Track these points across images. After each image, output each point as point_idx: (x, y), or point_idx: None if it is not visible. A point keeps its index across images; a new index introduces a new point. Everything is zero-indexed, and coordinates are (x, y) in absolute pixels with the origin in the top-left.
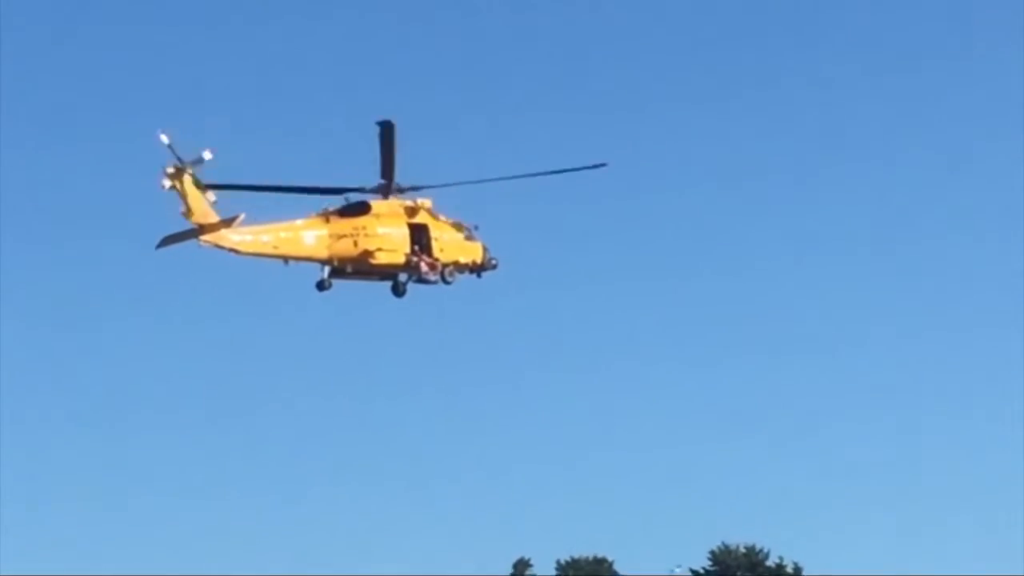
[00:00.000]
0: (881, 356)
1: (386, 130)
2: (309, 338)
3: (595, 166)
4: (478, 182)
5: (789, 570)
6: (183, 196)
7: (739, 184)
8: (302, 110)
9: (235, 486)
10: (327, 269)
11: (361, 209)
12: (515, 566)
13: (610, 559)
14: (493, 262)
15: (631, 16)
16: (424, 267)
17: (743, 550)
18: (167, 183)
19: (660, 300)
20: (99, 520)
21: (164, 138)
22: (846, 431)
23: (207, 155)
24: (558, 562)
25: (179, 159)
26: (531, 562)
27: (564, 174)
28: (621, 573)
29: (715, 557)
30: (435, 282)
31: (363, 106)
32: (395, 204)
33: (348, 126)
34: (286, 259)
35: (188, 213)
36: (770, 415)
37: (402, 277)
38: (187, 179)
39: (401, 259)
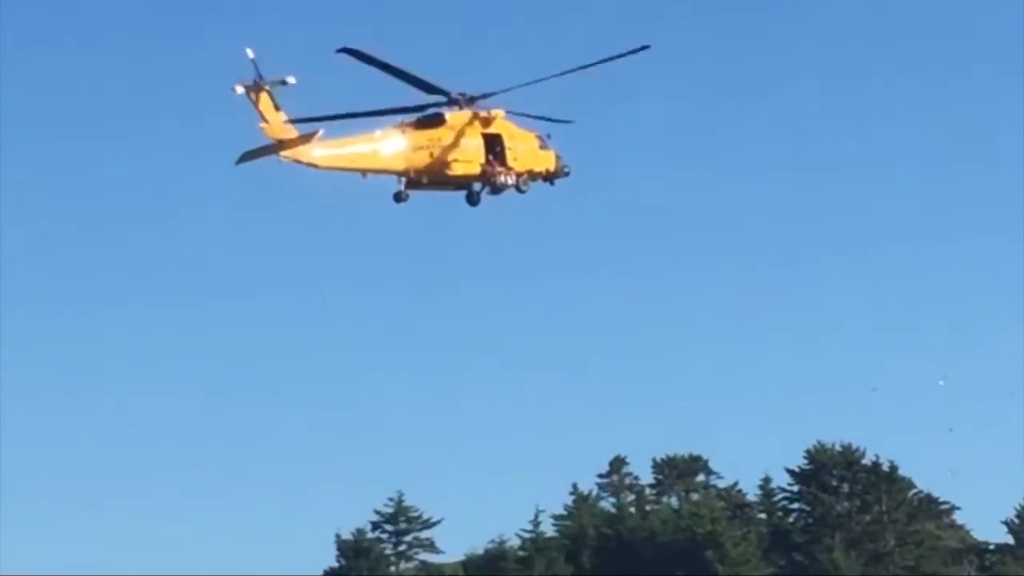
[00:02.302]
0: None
1: (358, 56)
2: (387, 249)
3: (639, 49)
4: (536, 82)
5: (885, 468)
6: (261, 112)
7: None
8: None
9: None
10: (404, 181)
11: (436, 121)
12: (611, 464)
13: (705, 458)
14: (566, 169)
15: None
16: (497, 176)
17: (839, 449)
18: (240, 90)
19: (754, 197)
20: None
21: (250, 52)
22: (944, 332)
23: (290, 80)
24: (654, 460)
25: (260, 75)
26: (627, 460)
27: (614, 61)
28: (716, 471)
29: (811, 456)
30: (509, 187)
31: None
32: (469, 115)
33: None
34: (364, 172)
35: (267, 129)
36: (866, 316)
37: (476, 186)
38: (264, 96)
39: (476, 169)
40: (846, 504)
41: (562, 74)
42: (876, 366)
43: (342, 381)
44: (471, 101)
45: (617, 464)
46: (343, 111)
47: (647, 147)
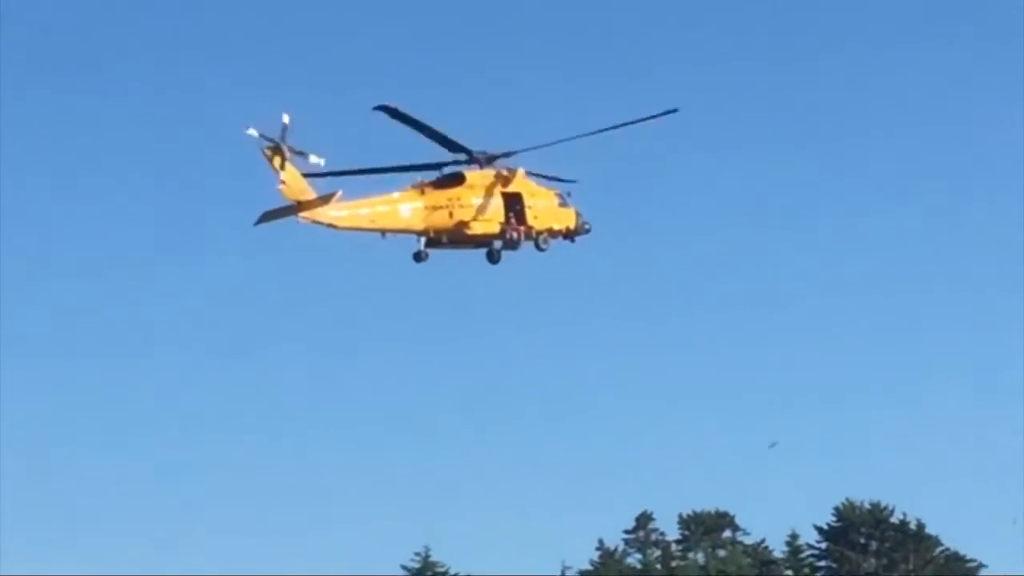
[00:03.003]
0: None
1: (392, 113)
2: (408, 308)
3: (666, 112)
4: (559, 142)
5: (912, 526)
6: (279, 173)
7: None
8: (380, 83)
9: (335, 443)
10: (423, 240)
11: (456, 180)
12: (638, 520)
13: (732, 514)
14: (587, 226)
15: None
16: (516, 235)
17: (867, 506)
18: (253, 132)
19: (778, 250)
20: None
21: (253, 132)
22: (972, 389)
23: (286, 119)
24: (680, 516)
25: (285, 139)
26: (653, 516)
27: (640, 124)
28: (742, 528)
29: (840, 513)
30: (526, 243)
31: (444, 78)
32: (489, 174)
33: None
34: (383, 232)
35: (285, 190)
36: (893, 372)
37: (497, 244)
38: (284, 155)
39: (496, 228)
40: (873, 562)
41: (586, 135)
42: (905, 422)
43: (367, 436)
44: (491, 160)
45: (643, 520)
46: (361, 166)
47: (675, 197)
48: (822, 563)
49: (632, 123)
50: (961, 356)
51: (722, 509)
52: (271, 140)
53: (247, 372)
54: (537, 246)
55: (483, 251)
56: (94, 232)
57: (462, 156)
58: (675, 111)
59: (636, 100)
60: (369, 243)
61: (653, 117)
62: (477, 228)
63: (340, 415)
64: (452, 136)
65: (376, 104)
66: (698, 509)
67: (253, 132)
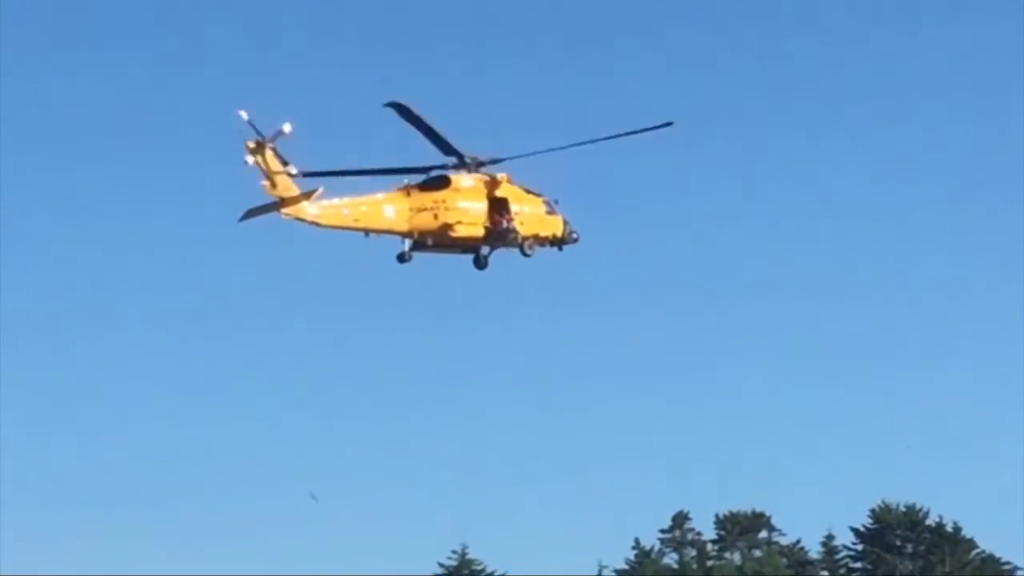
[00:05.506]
0: None
1: (401, 111)
2: (389, 310)
3: (662, 126)
4: (551, 151)
5: (948, 529)
6: (264, 170)
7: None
8: (373, 87)
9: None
10: (408, 242)
11: (441, 183)
12: (674, 519)
13: (768, 514)
14: (574, 235)
15: None
16: (507, 225)
17: (903, 509)
18: (249, 159)
19: (812, 249)
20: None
21: (243, 114)
22: (1009, 391)
23: (287, 128)
24: (716, 516)
25: (260, 134)
26: (689, 515)
27: (634, 136)
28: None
29: (875, 515)
30: (514, 243)
31: (434, 79)
32: (475, 178)
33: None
34: (367, 232)
35: (270, 187)
36: (929, 373)
37: (484, 250)
38: (268, 153)
39: (481, 232)
40: (909, 564)
41: (578, 144)
42: (941, 424)
43: (403, 435)
44: (479, 165)
45: (679, 519)
46: (349, 167)
47: (717, 183)
48: (858, 564)
49: (625, 135)
50: (999, 357)
51: (758, 509)
52: (258, 135)
53: (265, 367)
54: (523, 251)
55: (470, 256)
56: (80, 226)
57: (452, 160)
58: (670, 124)
59: (625, 108)
60: (352, 242)
61: (648, 130)
62: (462, 231)
63: (382, 408)
64: (451, 140)
65: (387, 101)
66: (734, 509)
67: (243, 114)
